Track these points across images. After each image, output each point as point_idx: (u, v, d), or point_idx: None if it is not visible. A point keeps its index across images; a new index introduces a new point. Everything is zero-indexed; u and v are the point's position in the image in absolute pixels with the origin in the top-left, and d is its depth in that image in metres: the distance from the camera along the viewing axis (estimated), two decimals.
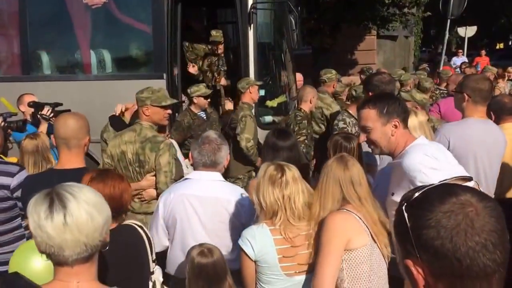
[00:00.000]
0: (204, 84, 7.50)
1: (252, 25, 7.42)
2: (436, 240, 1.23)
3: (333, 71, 8.18)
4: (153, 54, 7.85)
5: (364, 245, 2.87)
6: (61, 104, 5.92)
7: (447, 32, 15.04)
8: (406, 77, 9.56)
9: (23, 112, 6.33)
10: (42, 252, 1.86)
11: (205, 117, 7.11)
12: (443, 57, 15.26)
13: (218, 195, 3.48)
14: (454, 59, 19.51)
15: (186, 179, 3.67)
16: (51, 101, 6.14)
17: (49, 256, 1.84)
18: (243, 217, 3.45)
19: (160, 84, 7.04)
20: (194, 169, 3.66)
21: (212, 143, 3.53)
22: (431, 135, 3.94)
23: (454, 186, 1.34)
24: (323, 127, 7.37)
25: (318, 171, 6.10)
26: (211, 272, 2.97)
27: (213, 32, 8.56)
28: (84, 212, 1.82)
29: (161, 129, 4.86)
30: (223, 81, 8.79)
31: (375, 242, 2.93)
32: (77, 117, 3.53)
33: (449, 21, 14.82)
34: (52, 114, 5.77)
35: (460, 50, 20.79)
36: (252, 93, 6.88)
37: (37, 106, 5.99)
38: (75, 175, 2.80)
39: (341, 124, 5.84)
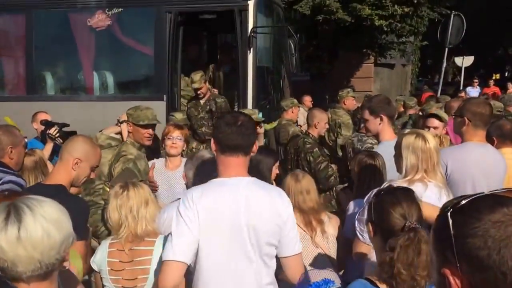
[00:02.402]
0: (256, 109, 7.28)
1: (251, 49, 7.60)
2: (482, 250, 1.16)
3: (345, 90, 9.30)
4: (154, 76, 8.06)
5: None
6: (68, 125, 6.04)
7: (444, 61, 15.21)
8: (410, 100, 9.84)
9: (36, 129, 6.49)
10: None
11: None
12: (440, 86, 15.38)
13: None
14: (469, 89, 18.67)
15: (179, 199, 3.56)
16: (54, 121, 6.28)
17: (3, 271, 1.75)
18: None
19: (160, 105, 7.25)
20: (188, 188, 3.59)
21: (207, 163, 3.50)
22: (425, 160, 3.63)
23: (505, 197, 1.25)
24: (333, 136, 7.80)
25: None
26: None
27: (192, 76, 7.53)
28: (40, 228, 1.72)
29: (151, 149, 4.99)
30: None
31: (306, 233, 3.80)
32: (88, 140, 3.48)
33: (446, 50, 15.02)
34: (58, 134, 5.86)
35: (476, 80, 20.34)
36: (293, 113, 7.66)
37: (48, 125, 6.11)
38: (50, 192, 2.75)
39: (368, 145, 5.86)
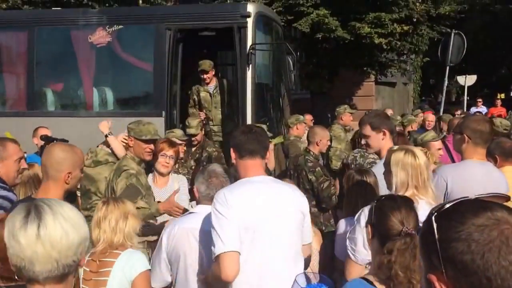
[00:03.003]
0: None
1: (250, 66, 7.65)
2: (466, 254, 1.14)
3: (342, 106, 9.44)
4: (153, 92, 8.15)
5: None
6: (67, 141, 6.09)
7: (445, 79, 15.25)
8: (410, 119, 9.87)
9: (36, 144, 6.57)
10: (13, 265, 1.78)
11: None
12: (442, 105, 15.39)
13: None
14: (472, 109, 18.56)
15: (191, 212, 3.65)
16: (54, 136, 6.34)
17: (20, 271, 1.76)
18: None
19: (159, 121, 7.29)
20: (199, 203, 3.59)
21: (219, 176, 3.52)
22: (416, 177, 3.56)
23: (489, 202, 1.25)
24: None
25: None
26: None
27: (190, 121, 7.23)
28: (59, 227, 1.75)
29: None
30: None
31: None
32: (66, 147, 3.41)
33: (448, 69, 15.08)
34: None
35: (479, 100, 20.18)
36: (299, 129, 7.94)
37: (47, 140, 6.18)
38: None
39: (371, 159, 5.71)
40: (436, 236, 1.20)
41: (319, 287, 2.78)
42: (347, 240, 3.43)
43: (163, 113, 7.78)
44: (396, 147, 3.68)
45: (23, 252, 1.71)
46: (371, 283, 2.43)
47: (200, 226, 3.39)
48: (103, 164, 5.25)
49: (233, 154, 3.27)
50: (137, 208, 4.43)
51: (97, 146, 5.60)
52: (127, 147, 5.41)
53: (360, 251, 3.32)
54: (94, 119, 8.05)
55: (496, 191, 3.90)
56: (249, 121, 7.67)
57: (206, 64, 8.16)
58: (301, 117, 8.26)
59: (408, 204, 2.59)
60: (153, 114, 7.62)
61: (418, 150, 3.53)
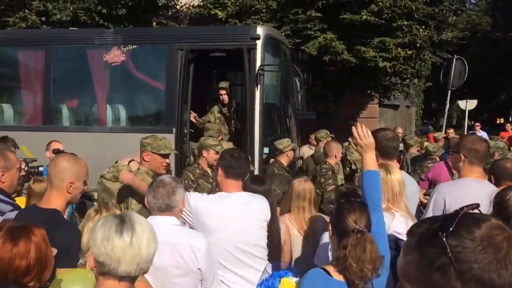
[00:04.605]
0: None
1: (258, 86, 7.86)
2: (492, 272, 1.16)
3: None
4: (164, 110, 8.37)
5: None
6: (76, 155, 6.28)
7: (447, 102, 15.52)
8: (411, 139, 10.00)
9: (48, 158, 6.75)
10: (98, 261, 2.08)
11: None
12: (444, 128, 15.61)
13: (172, 239, 3.37)
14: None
15: None
16: (69, 151, 6.54)
17: (103, 266, 2.06)
18: (199, 262, 3.41)
19: (169, 138, 7.50)
20: (150, 214, 3.55)
21: (166, 186, 3.45)
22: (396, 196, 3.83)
23: (477, 213, 1.30)
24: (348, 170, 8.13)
25: None
26: None
27: None
28: (145, 238, 2.11)
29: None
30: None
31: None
32: (70, 158, 3.51)
33: (449, 93, 15.33)
34: None
35: (478, 124, 20.37)
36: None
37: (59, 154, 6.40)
38: (44, 215, 3.02)
39: None
40: (451, 257, 1.19)
41: (285, 273, 3.28)
42: (329, 252, 3.61)
43: (174, 130, 7.98)
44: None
45: (114, 252, 2.05)
46: (328, 272, 2.88)
47: None
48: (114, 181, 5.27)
49: (220, 172, 3.89)
50: None
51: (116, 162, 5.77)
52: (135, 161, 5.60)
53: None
54: (107, 135, 8.34)
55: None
56: (257, 139, 7.87)
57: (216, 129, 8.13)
58: (328, 132, 8.93)
59: (362, 207, 3.06)
60: (164, 130, 7.75)
61: (393, 167, 3.73)
